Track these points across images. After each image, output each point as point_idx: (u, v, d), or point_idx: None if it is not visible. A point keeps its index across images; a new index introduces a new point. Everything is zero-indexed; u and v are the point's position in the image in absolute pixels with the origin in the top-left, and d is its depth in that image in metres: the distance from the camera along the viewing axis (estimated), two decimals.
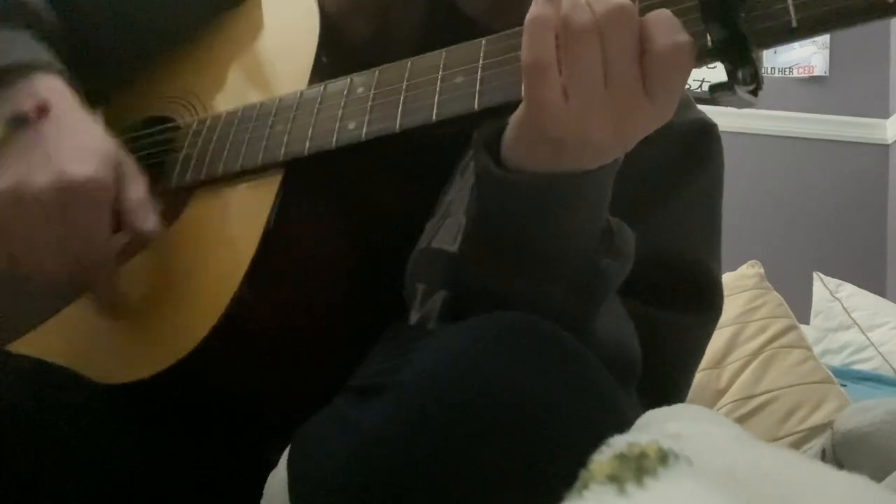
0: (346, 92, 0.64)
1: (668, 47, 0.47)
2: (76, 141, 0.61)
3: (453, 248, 0.58)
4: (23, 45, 0.67)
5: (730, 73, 0.49)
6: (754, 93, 0.49)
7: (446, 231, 0.61)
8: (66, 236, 0.59)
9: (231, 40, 0.80)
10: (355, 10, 0.76)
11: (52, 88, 0.64)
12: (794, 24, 0.47)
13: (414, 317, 0.61)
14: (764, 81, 0.49)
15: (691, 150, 0.71)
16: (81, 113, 0.64)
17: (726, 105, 0.51)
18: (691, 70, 0.49)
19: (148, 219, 0.62)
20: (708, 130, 0.73)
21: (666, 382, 0.67)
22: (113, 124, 0.81)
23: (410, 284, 0.62)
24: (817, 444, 1.05)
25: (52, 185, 0.58)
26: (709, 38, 0.48)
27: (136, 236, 0.62)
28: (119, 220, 0.62)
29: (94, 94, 0.80)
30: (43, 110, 0.62)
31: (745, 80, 0.49)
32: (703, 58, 0.49)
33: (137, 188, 0.63)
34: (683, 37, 0.47)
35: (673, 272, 0.68)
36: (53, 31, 0.71)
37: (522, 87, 0.50)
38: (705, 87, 2.45)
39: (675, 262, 0.68)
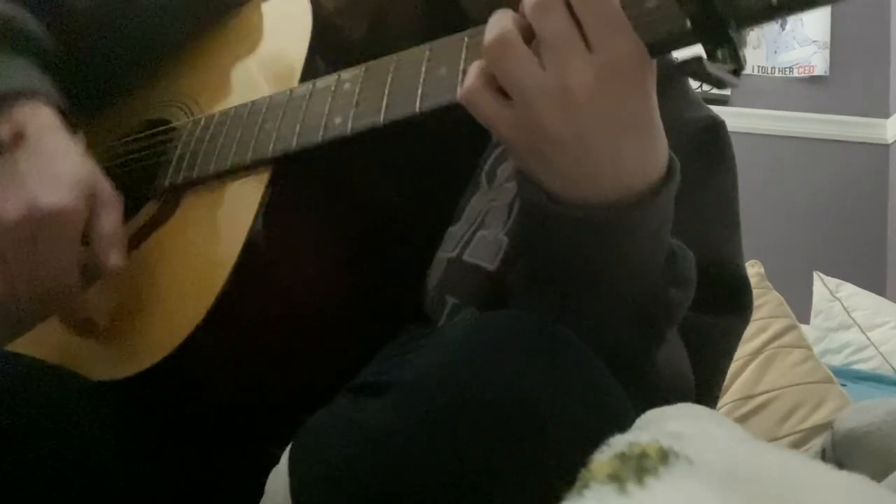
0: (333, 88, 0.64)
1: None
2: (51, 169, 0.61)
3: (492, 267, 0.58)
4: (10, 72, 0.67)
5: (709, 53, 0.48)
6: (736, 73, 0.49)
7: (482, 246, 0.60)
8: (35, 263, 0.60)
9: (227, 43, 0.80)
10: (352, 9, 0.76)
11: (34, 115, 0.65)
12: (775, 1, 0.46)
13: None
14: (746, 62, 0.48)
15: (705, 148, 0.71)
16: (61, 141, 0.64)
17: (705, 82, 0.50)
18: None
19: (112, 255, 0.62)
20: (718, 128, 0.73)
21: (702, 385, 0.66)
22: (112, 130, 0.82)
23: (438, 295, 0.62)
24: (817, 444, 1.05)
25: (22, 213, 0.59)
26: (687, 20, 0.48)
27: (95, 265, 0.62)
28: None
29: (92, 101, 0.81)
30: (18, 137, 0.62)
31: (725, 60, 0.48)
32: (682, 39, 0.48)
33: (109, 220, 0.63)
34: None
35: (707, 275, 0.66)
36: (43, 46, 0.71)
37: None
38: (705, 88, 2.45)
39: (708, 265, 0.66)
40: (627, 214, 0.50)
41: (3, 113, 0.64)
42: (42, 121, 0.65)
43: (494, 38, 0.48)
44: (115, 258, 0.62)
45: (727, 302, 0.68)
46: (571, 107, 0.47)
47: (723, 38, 0.47)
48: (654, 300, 0.53)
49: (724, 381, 0.72)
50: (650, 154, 0.50)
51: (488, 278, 0.57)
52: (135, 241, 0.70)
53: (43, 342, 0.68)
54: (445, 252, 0.62)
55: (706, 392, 0.68)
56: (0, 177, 0.61)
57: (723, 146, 0.72)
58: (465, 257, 0.60)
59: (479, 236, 0.60)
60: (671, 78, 0.71)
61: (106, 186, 0.64)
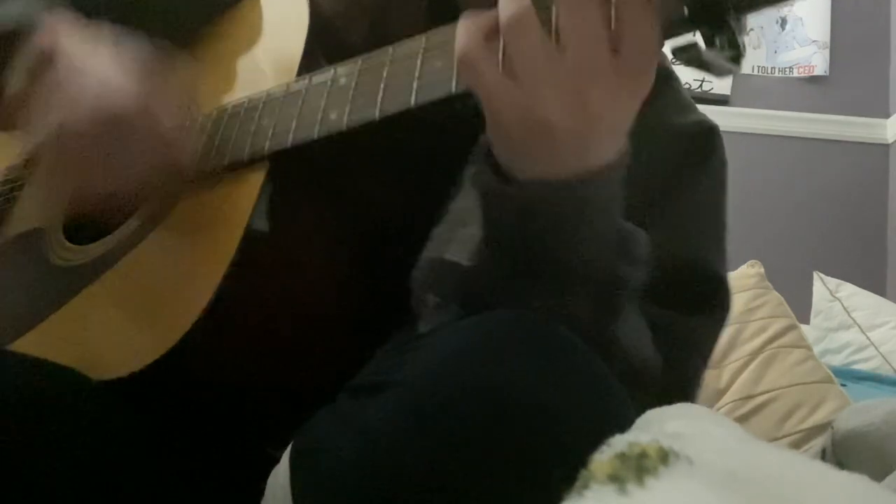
0: (329, 82, 0.64)
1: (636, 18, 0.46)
2: (99, 74, 0.64)
3: (468, 262, 0.58)
4: (27, 3, 0.69)
5: (707, 39, 0.48)
6: (735, 60, 0.48)
7: (461, 243, 0.60)
8: (130, 152, 0.63)
9: (225, 40, 0.80)
10: (354, 9, 0.76)
11: (56, 34, 0.66)
12: None
13: (424, 328, 0.61)
14: (745, 48, 0.48)
15: (692, 151, 0.71)
16: (88, 49, 0.66)
17: (702, 70, 0.50)
18: (658, 30, 0.47)
19: (179, 151, 0.66)
20: (708, 132, 0.73)
21: (676, 385, 0.67)
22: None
23: (421, 294, 0.62)
24: (817, 444, 1.05)
25: (91, 120, 0.62)
26: (685, 6, 0.47)
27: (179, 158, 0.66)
28: None
29: None
30: (49, 54, 0.65)
31: (724, 47, 0.48)
32: (679, 27, 0.48)
33: (165, 119, 0.65)
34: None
35: (679, 274, 0.67)
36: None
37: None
38: (706, 87, 2.45)
39: (681, 264, 0.68)
40: (581, 190, 0.51)
41: (26, 43, 0.66)
42: (65, 37, 0.66)
43: (515, 13, 0.48)
44: (183, 154, 0.66)
45: (701, 302, 0.69)
46: (580, 104, 0.48)
47: (721, 25, 0.47)
48: (608, 277, 0.54)
49: (700, 382, 0.73)
50: (619, 144, 0.52)
51: (464, 274, 0.57)
52: (133, 239, 0.70)
53: (44, 342, 0.68)
54: (429, 252, 0.62)
55: (680, 392, 0.68)
56: (52, 97, 0.64)
57: (710, 150, 0.72)
58: (446, 256, 0.60)
59: (459, 235, 0.61)
60: (667, 80, 0.71)
61: (158, 83, 0.66)
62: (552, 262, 0.53)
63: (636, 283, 0.56)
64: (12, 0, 0.68)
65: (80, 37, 0.66)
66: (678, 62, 0.50)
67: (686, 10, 0.47)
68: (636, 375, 0.49)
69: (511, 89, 0.48)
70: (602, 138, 0.51)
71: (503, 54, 0.48)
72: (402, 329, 0.62)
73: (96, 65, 0.64)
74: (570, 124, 0.48)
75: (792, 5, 2.49)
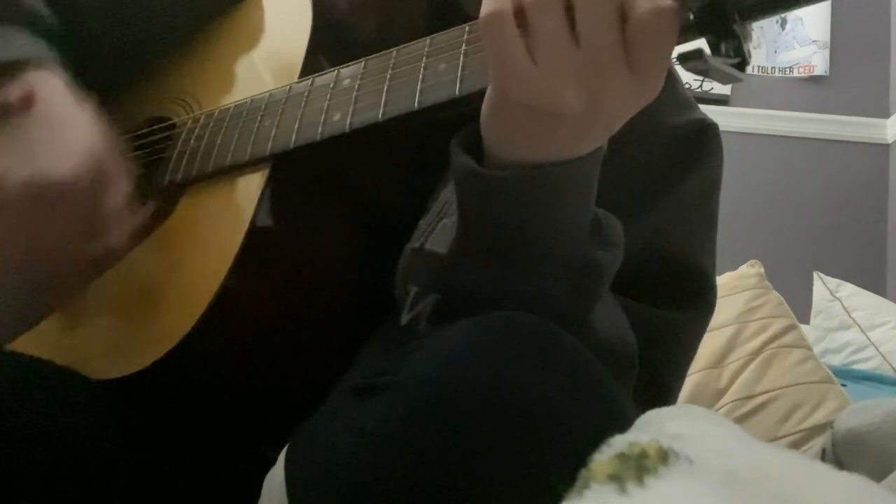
0: (332, 84, 0.64)
1: (648, 12, 0.46)
2: (60, 138, 0.60)
3: (445, 251, 0.58)
4: (22, 42, 0.67)
5: (713, 46, 0.48)
6: (740, 67, 0.48)
7: (442, 234, 0.60)
8: (36, 237, 0.58)
9: (227, 39, 0.80)
10: (357, 9, 0.76)
11: (45, 82, 0.64)
12: None
13: (405, 318, 0.61)
14: (751, 56, 0.48)
15: (688, 149, 0.71)
16: (72, 107, 0.63)
17: (707, 77, 0.50)
18: (674, 39, 0.47)
19: (114, 232, 0.60)
20: (705, 130, 0.73)
21: (658, 380, 0.67)
22: (113, 127, 0.81)
23: (402, 285, 0.62)
24: (817, 444, 1.05)
25: (26, 182, 0.57)
26: (690, 14, 0.47)
27: (106, 248, 0.60)
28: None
29: (92, 98, 0.81)
30: (28, 101, 0.61)
31: (729, 54, 0.48)
32: (684, 33, 0.48)
33: (116, 196, 0.61)
34: (666, 2, 0.46)
35: (665, 270, 0.68)
36: (54, 32, 0.71)
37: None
38: (706, 87, 2.45)
39: (667, 260, 0.68)
40: (561, 174, 0.51)
41: (13, 78, 0.64)
42: (53, 87, 0.64)
43: None
44: (116, 235, 0.60)
45: (683, 298, 0.69)
46: (591, 97, 0.47)
47: (727, 32, 0.47)
48: (585, 262, 0.54)
49: (681, 378, 0.73)
50: (607, 137, 0.52)
51: (441, 263, 0.57)
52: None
53: (43, 341, 0.68)
54: (412, 243, 0.62)
55: (664, 387, 0.69)
56: (10, 141, 0.60)
57: (706, 149, 0.72)
58: (427, 246, 0.60)
59: (441, 225, 0.60)
60: (667, 79, 0.71)
61: (116, 159, 0.62)
62: (528, 246, 0.53)
63: (611, 268, 0.56)
64: (23, 40, 0.67)
65: (65, 97, 0.64)
66: (682, 68, 0.50)
67: (692, 17, 0.47)
68: (612, 363, 0.49)
69: (528, 69, 0.47)
70: (599, 131, 0.51)
71: (527, 30, 0.48)
72: (387, 320, 0.62)
73: (65, 129, 0.61)
74: (578, 116, 0.48)
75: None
